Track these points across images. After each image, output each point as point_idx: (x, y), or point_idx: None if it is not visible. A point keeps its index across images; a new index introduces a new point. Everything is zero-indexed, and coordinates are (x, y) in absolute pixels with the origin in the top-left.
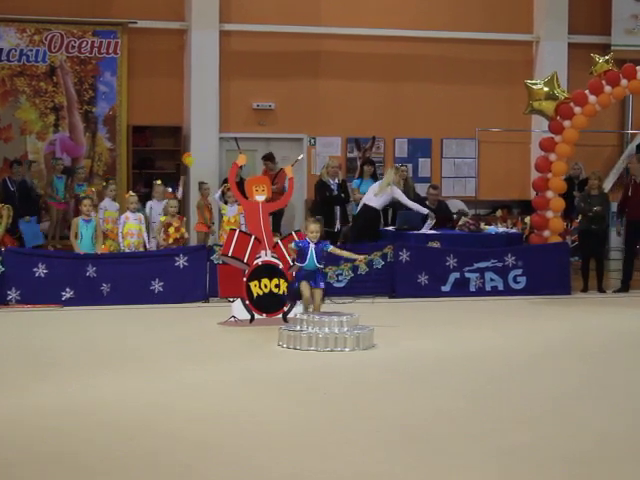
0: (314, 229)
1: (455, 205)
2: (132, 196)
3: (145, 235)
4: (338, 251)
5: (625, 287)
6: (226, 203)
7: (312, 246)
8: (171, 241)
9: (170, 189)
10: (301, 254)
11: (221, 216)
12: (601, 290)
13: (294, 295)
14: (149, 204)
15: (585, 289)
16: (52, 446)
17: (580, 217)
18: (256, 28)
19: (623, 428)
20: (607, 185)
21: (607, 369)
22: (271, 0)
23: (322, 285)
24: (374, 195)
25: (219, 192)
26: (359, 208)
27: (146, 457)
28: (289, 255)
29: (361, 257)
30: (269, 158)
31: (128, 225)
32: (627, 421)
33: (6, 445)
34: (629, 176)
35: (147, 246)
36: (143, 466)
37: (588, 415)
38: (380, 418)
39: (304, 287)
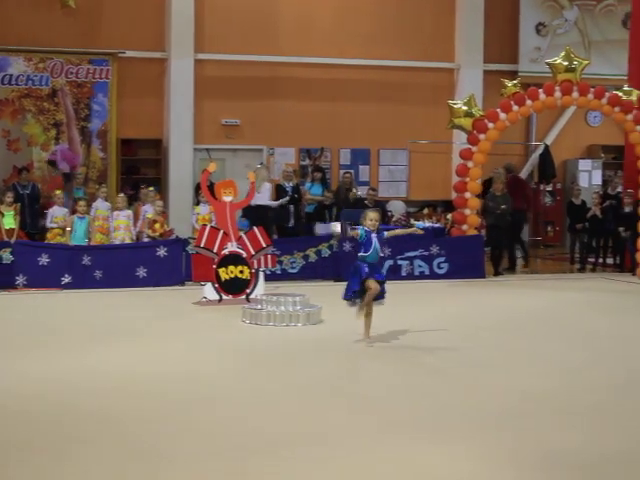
0: (374, 217)
1: (395, 206)
2: (121, 197)
3: (132, 229)
4: (394, 233)
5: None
6: (199, 204)
7: (373, 235)
8: (158, 234)
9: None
10: (365, 242)
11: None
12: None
13: (359, 292)
14: (144, 208)
15: (496, 274)
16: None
17: (488, 214)
18: (225, 57)
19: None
20: None
21: (512, 337)
22: (237, 34)
23: (383, 277)
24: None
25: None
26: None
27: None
28: (353, 233)
29: (412, 229)
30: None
31: (118, 221)
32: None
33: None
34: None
35: (134, 238)
36: (121, 420)
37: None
38: (315, 379)
39: (372, 284)
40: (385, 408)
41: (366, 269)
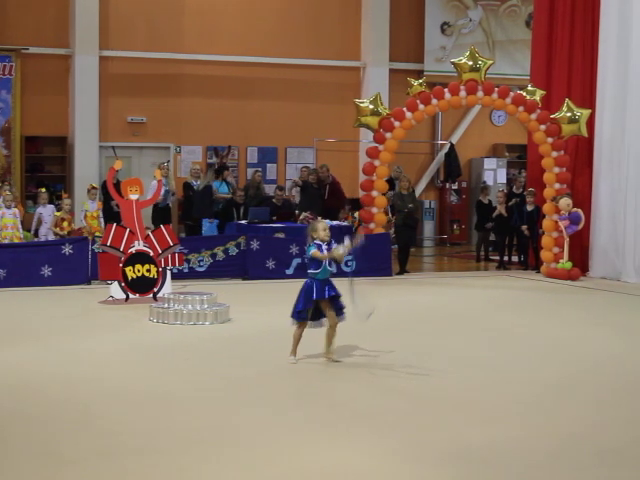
0: (326, 226)
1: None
2: (8, 194)
3: (20, 228)
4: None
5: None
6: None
7: (324, 247)
8: (66, 232)
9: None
10: (314, 259)
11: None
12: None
13: (305, 312)
14: (38, 210)
15: (402, 272)
16: None
17: (396, 213)
18: (130, 54)
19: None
20: (421, 186)
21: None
22: (142, 31)
23: (337, 291)
24: None
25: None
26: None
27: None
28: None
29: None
30: None
31: (4, 220)
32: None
33: None
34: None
35: (21, 237)
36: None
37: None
38: (224, 378)
39: (331, 317)
40: (296, 407)
41: (315, 290)
